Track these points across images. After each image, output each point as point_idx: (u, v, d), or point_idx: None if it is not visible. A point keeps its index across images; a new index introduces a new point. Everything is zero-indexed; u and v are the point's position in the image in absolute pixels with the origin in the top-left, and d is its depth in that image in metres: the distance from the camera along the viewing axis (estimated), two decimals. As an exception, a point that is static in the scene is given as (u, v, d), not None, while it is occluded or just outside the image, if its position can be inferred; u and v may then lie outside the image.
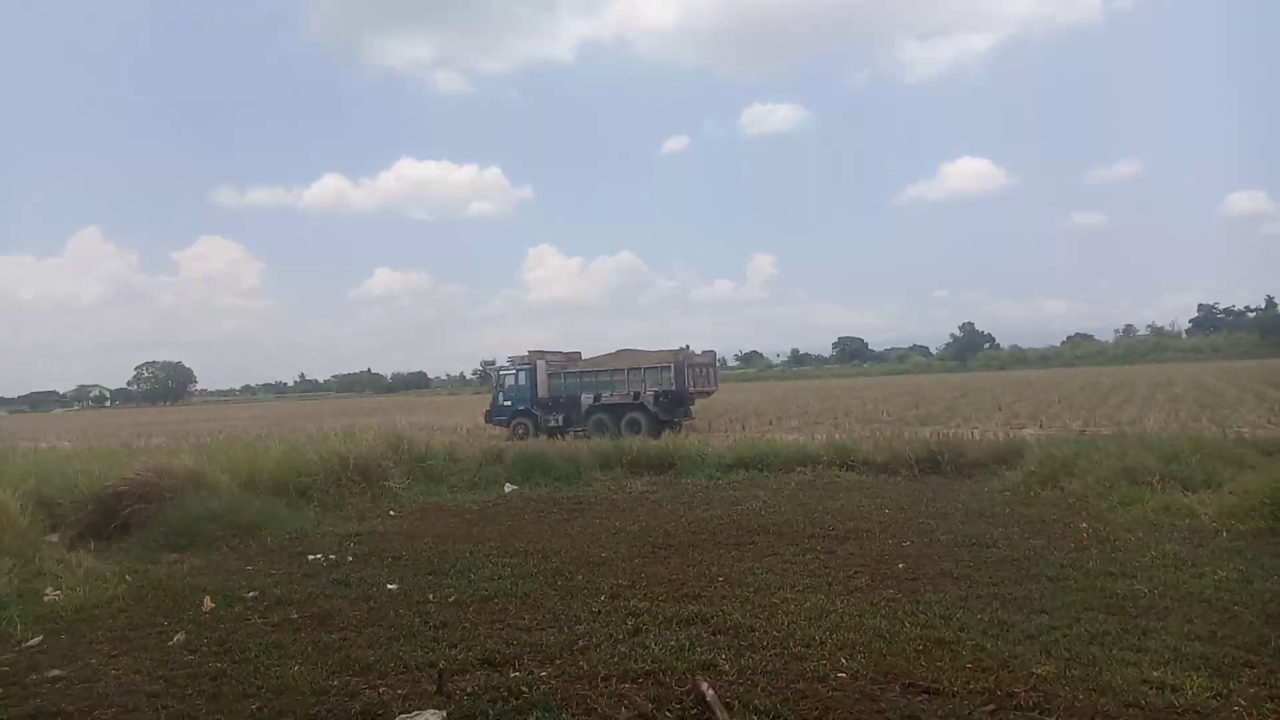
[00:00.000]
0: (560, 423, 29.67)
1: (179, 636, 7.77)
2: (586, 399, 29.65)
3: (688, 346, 29.71)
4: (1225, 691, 5.60)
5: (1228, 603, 7.68)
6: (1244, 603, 7.66)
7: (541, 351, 31.16)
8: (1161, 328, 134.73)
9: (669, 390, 28.69)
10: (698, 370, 30.05)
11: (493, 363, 31.56)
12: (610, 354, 30.81)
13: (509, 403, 31.06)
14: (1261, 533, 10.51)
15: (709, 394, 32.04)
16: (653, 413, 28.45)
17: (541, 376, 30.29)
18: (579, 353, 32.11)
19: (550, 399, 30.29)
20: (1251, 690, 5.62)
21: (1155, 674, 5.91)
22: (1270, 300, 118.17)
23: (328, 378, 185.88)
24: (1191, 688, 5.64)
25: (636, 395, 28.91)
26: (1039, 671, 6.08)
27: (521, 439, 27.66)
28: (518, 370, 30.98)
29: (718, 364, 33.96)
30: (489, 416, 31.68)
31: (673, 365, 28.67)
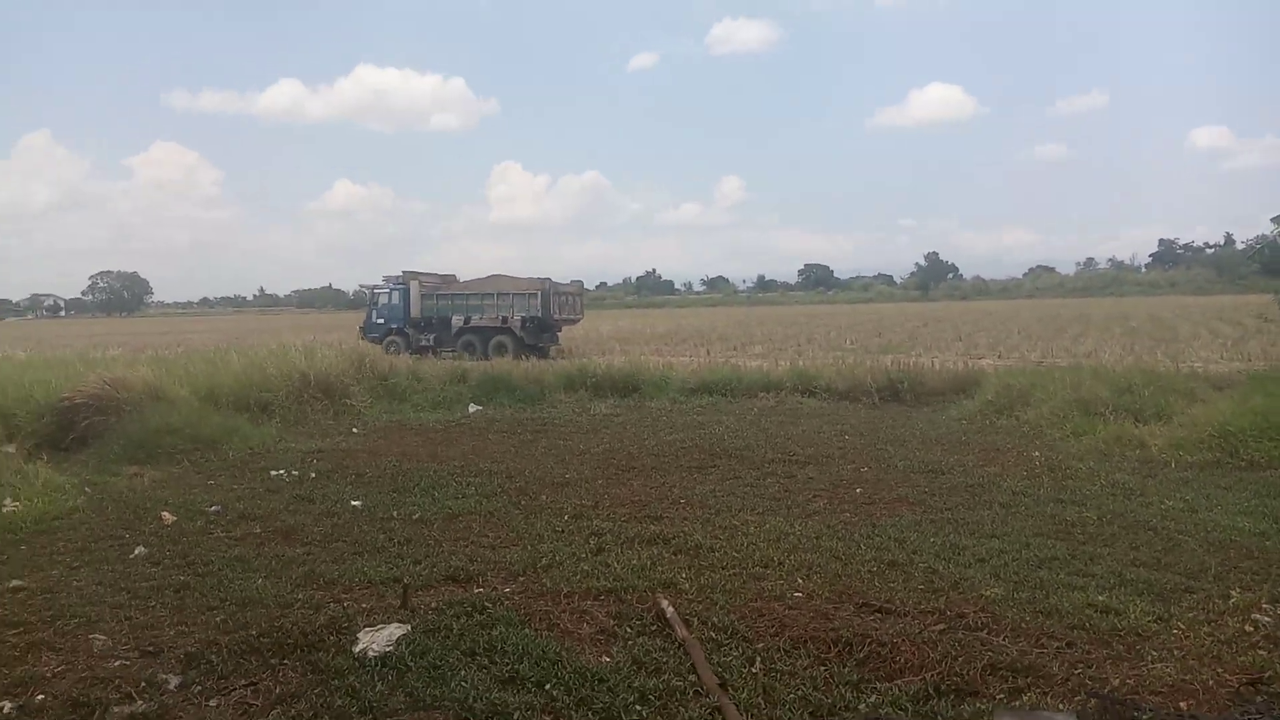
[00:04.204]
0: (431, 342, 30.56)
1: (140, 549, 7.75)
2: (457, 321, 30.74)
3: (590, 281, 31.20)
4: (1166, 615, 5.80)
5: (1172, 531, 7.93)
6: (1188, 531, 7.91)
7: (416, 273, 32.22)
8: (1121, 261, 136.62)
9: (535, 317, 30.01)
10: (564, 299, 31.71)
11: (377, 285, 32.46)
12: (481, 279, 32.06)
13: (382, 320, 31.90)
14: (1208, 464, 10.82)
15: (574, 322, 33.99)
16: (519, 337, 29.69)
17: (415, 297, 31.30)
18: (454, 275, 33.39)
19: (423, 319, 31.29)
20: (1190, 614, 5.82)
21: (1100, 598, 6.10)
22: (1229, 236, 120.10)
23: (288, 292, 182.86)
24: (1134, 611, 5.82)
25: (504, 320, 30.12)
26: (988, 593, 6.26)
27: (393, 355, 28.04)
28: (392, 289, 31.84)
29: (584, 294, 35.91)
30: (364, 332, 32.05)
31: (540, 293, 30.00)
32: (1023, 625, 5.67)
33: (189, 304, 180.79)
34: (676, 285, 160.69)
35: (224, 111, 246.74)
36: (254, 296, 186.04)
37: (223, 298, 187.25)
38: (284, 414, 15.76)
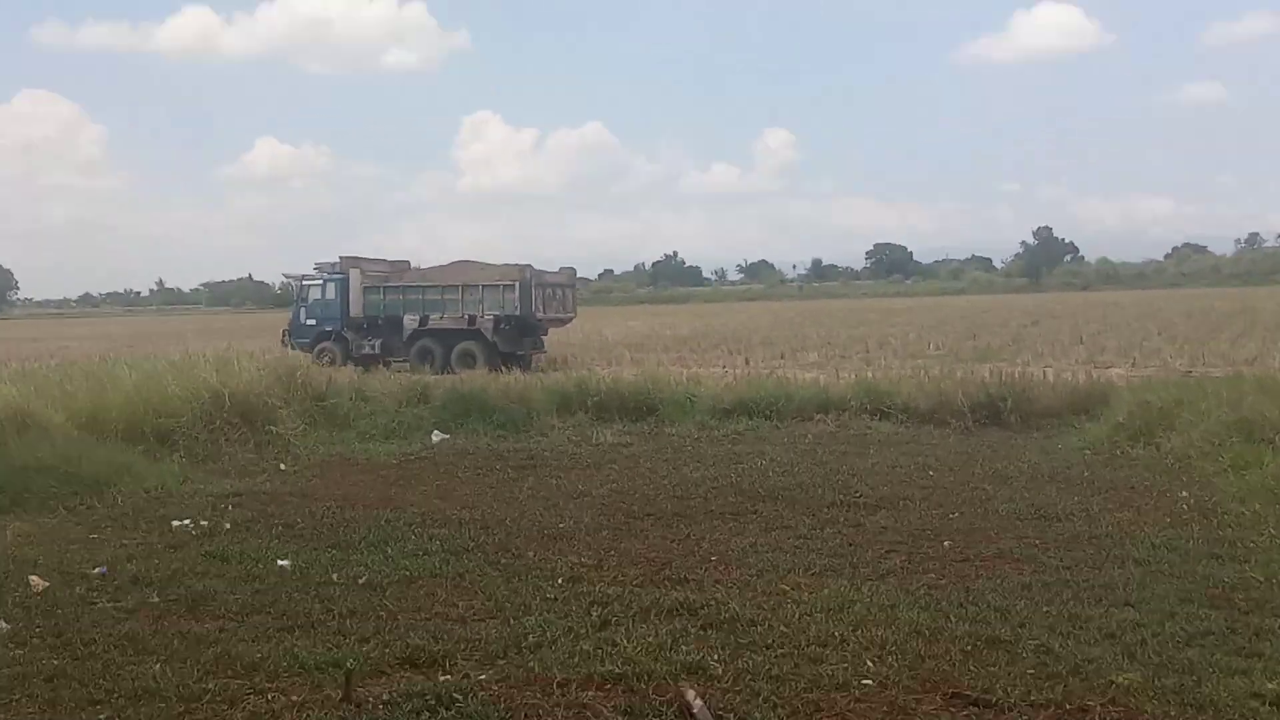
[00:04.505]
0: (377, 349, 30.25)
1: (2, 625, 7.79)
2: (410, 321, 30.20)
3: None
4: (1356, 708, 5.77)
5: (1365, 596, 7.88)
6: (1386, 596, 7.86)
7: (357, 259, 31.67)
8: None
9: (513, 315, 29.38)
10: (550, 292, 30.98)
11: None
12: (442, 266, 31.52)
13: (313, 321, 31.56)
14: None
15: (565, 322, 33.24)
16: (491, 342, 29.09)
17: (355, 290, 30.77)
18: (407, 262, 32.82)
19: (365, 319, 30.85)
20: (1390, 707, 5.79)
21: (1270, 685, 6.04)
22: None
23: (195, 286, 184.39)
24: (1314, 703, 5.79)
25: (472, 320, 29.52)
26: (1120, 680, 6.21)
27: (328, 367, 27.61)
28: (326, 280, 31.46)
29: (577, 285, 35.16)
30: (288, 337, 31.90)
31: (518, 284, 29.32)
32: (1167, 722, 5.64)
33: (65, 301, 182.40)
34: (705, 273, 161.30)
35: (111, 49, 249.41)
36: (151, 291, 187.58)
37: (110, 293, 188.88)
38: (190, 446, 15.81)
